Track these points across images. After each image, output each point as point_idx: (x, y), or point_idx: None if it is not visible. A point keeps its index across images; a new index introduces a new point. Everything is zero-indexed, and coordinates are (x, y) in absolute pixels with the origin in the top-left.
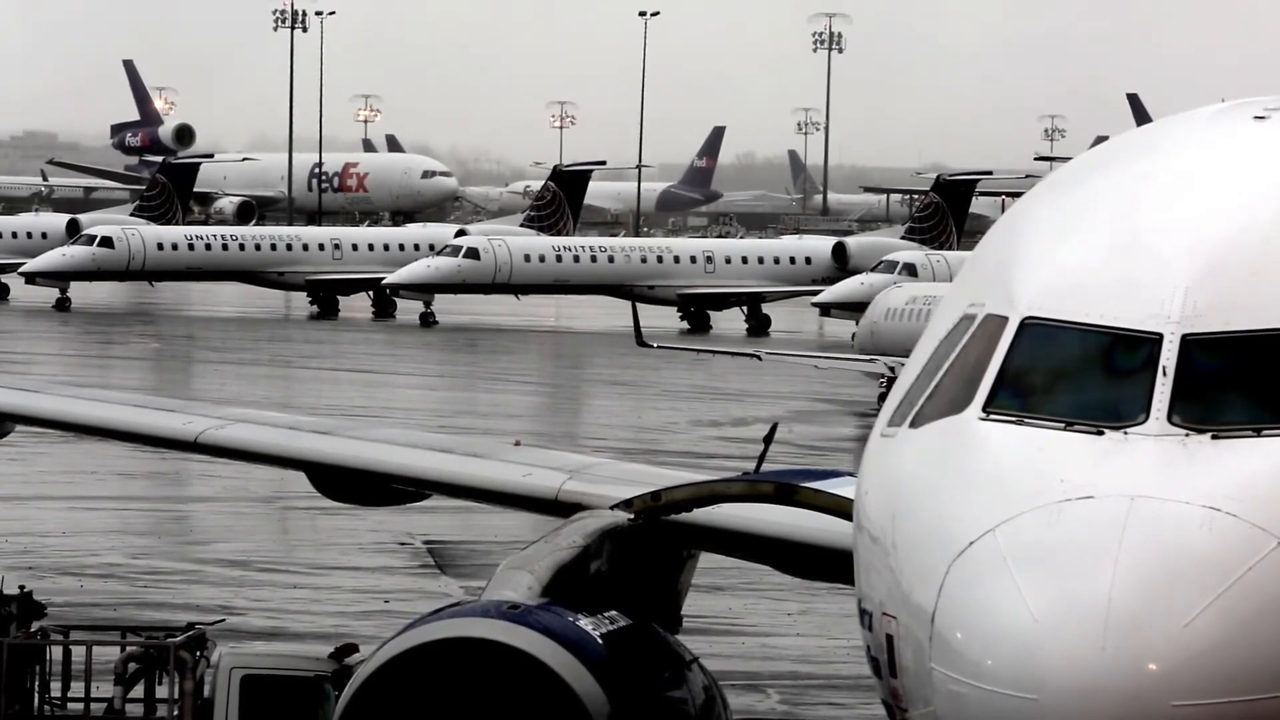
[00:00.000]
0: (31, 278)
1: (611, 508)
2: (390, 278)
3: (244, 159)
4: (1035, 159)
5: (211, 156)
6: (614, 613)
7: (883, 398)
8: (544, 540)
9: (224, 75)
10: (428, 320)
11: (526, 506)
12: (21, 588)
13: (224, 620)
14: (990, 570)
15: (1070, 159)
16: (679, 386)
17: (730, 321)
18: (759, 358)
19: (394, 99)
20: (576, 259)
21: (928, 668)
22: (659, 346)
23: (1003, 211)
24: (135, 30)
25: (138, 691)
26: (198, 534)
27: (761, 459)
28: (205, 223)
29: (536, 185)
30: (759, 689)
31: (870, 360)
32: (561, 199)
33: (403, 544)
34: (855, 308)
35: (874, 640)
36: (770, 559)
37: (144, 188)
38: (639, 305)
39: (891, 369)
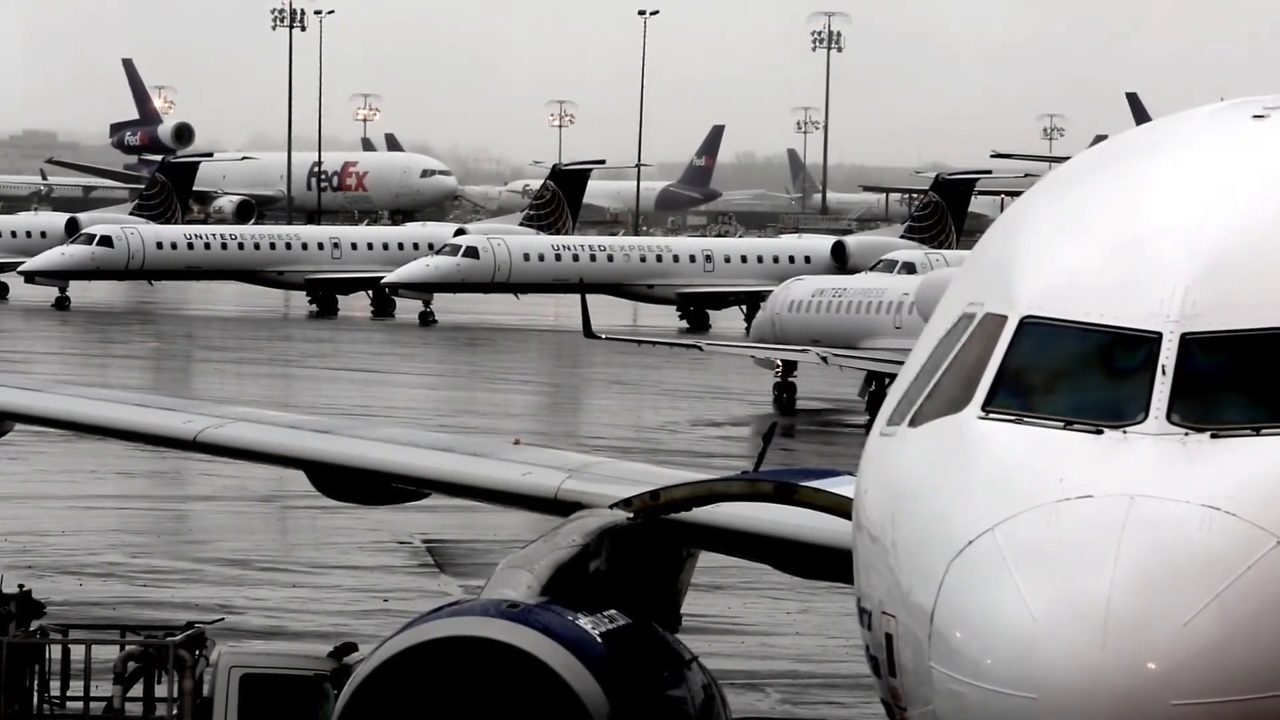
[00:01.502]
0: (31, 277)
1: (611, 506)
2: (389, 277)
3: (243, 158)
4: (991, 155)
5: (211, 155)
6: (613, 612)
7: (777, 386)
8: (543, 539)
9: (223, 74)
10: (427, 319)
11: (526, 505)
12: (21, 586)
13: (223, 619)
14: (989, 569)
15: (1041, 155)
16: (679, 386)
17: (730, 320)
18: (700, 349)
19: (394, 98)
20: (576, 258)
21: (927, 667)
22: (606, 338)
23: (1002, 211)
24: (135, 30)
25: (137, 690)
26: (197, 533)
27: (761, 458)
28: (204, 222)
29: (536, 184)
30: (759, 688)
31: (803, 350)
32: (561, 198)
33: (402, 543)
34: None
35: (873, 639)
36: (770, 558)
37: (143, 187)
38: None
39: (824, 359)
